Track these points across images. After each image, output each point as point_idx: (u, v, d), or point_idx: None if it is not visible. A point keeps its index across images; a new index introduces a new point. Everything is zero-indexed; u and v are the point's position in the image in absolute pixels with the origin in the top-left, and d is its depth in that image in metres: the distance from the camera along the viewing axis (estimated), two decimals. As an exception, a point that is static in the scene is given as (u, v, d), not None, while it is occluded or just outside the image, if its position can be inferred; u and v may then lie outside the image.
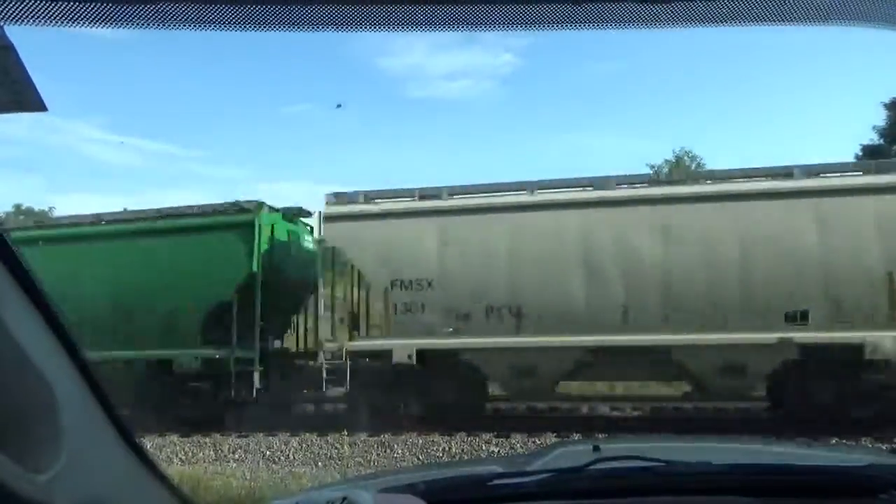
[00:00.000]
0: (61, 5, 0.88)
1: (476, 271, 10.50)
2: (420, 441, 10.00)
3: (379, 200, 11.42)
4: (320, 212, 11.39)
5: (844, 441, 8.54)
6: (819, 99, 52.25)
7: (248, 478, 7.79)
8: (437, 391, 10.71)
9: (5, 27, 0.96)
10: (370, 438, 10.22)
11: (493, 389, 11.79)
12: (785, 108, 52.80)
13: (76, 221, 12.98)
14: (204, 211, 12.17)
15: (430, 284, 10.61)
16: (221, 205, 12.14)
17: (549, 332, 10.17)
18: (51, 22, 0.88)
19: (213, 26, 0.94)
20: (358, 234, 11.07)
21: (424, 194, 11.29)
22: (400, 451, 9.76)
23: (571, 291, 10.24)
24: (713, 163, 31.74)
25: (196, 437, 10.88)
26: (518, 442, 9.75)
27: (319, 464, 9.51)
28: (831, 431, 9.12)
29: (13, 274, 0.93)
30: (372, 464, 9.40)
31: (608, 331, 10.07)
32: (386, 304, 10.88)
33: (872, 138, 27.31)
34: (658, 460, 1.43)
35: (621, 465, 1.45)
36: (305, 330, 13.00)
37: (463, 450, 9.65)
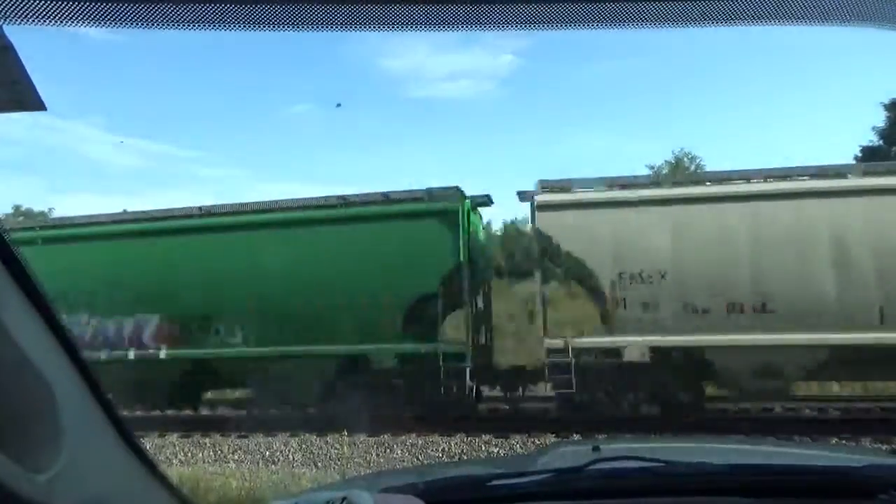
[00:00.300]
0: (61, 5, 0.88)
1: (714, 264, 9.88)
2: (420, 441, 9.99)
3: (597, 189, 10.77)
4: (533, 200, 10.74)
5: (844, 441, 8.55)
6: (817, 99, 52.26)
7: (247, 478, 7.77)
8: (671, 391, 10.21)
9: (5, 27, 0.96)
10: (370, 439, 10.21)
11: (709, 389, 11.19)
12: (784, 108, 52.77)
13: (256, 208, 12.01)
14: (394, 198, 11.39)
15: (663, 277, 10.02)
16: (412, 191, 11.41)
17: (797, 329, 9.55)
18: (50, 21, 0.88)
19: (212, 26, 0.94)
20: (579, 224, 10.42)
21: (642, 182, 10.79)
22: (399, 452, 9.75)
23: (821, 286, 9.63)
24: (712, 164, 31.77)
25: (196, 437, 10.87)
26: (518, 442, 9.74)
27: (319, 464, 9.50)
28: (831, 431, 9.13)
29: (13, 274, 0.93)
30: (372, 464, 9.39)
31: (861, 328, 9.43)
32: (614, 298, 10.23)
33: (872, 139, 27.35)
34: (657, 460, 1.43)
35: (621, 466, 1.45)
36: (487, 326, 12.30)
37: (463, 450, 9.64)
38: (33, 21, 0.88)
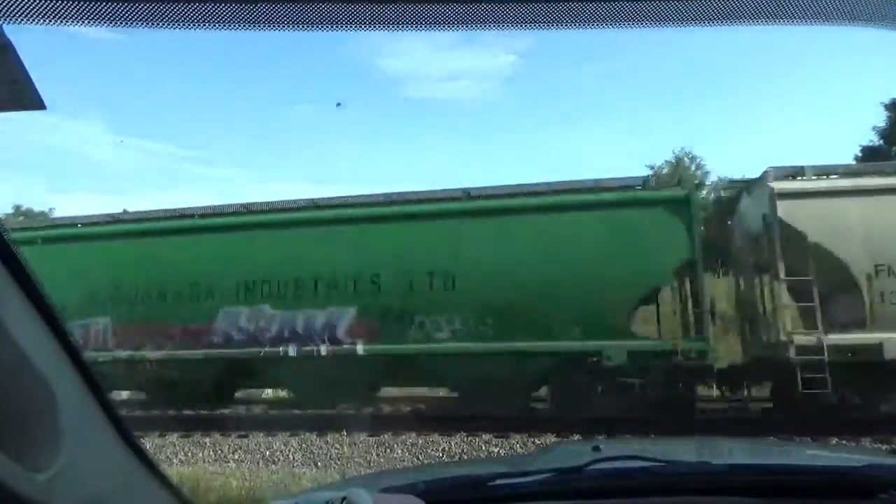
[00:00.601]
0: (61, 4, 0.88)
1: None
2: (420, 441, 9.99)
3: (840, 176, 10.22)
4: (772, 188, 10.08)
5: (844, 441, 8.54)
6: (817, 99, 52.32)
7: (247, 478, 7.78)
8: None
9: (4, 26, 0.96)
10: (370, 438, 10.21)
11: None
12: (784, 108, 52.84)
13: (455, 196, 11.15)
14: (608, 185, 10.72)
15: None
16: (626, 178, 10.79)
17: None
18: (50, 20, 0.88)
19: (213, 26, 0.94)
20: (826, 213, 9.77)
21: (887, 169, 10.26)
22: (399, 452, 9.75)
23: None
24: (713, 164, 31.83)
25: (196, 436, 10.87)
26: (518, 442, 9.74)
27: (319, 464, 9.50)
28: (831, 431, 9.13)
29: (13, 275, 0.93)
30: (372, 464, 9.39)
31: None
32: (870, 292, 9.56)
33: (872, 139, 27.42)
34: (658, 460, 1.43)
35: (621, 465, 1.45)
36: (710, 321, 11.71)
37: (463, 450, 9.64)
38: (33, 20, 0.88)
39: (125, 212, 12.85)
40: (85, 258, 11.67)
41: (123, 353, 11.34)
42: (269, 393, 13.34)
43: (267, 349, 10.90)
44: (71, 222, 13.07)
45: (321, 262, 10.78)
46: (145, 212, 12.68)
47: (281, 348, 10.82)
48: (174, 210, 12.52)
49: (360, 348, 10.61)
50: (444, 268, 10.41)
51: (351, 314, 10.74)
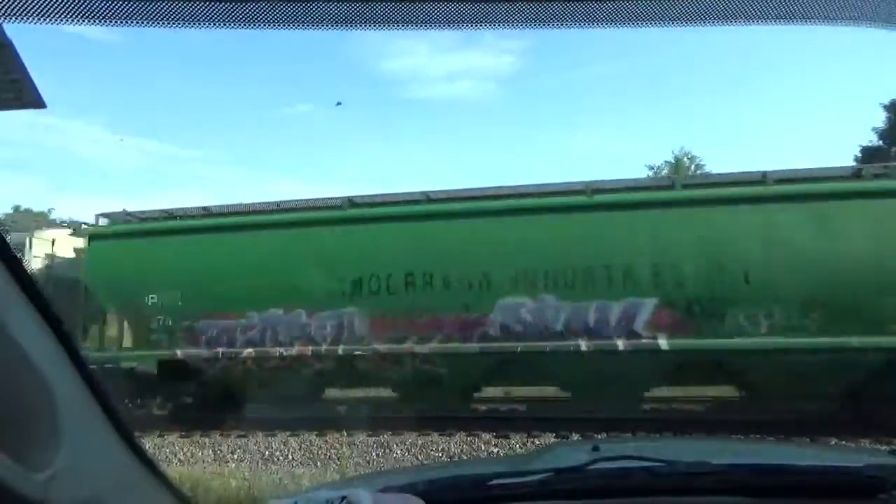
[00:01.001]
0: (61, 3, 0.88)
1: None
2: (420, 441, 9.99)
3: None
4: None
5: (844, 441, 8.54)
6: (818, 100, 52.34)
7: (247, 478, 7.78)
8: None
9: (5, 25, 0.96)
10: (369, 438, 10.21)
11: None
12: (784, 109, 52.87)
13: (777, 178, 10.21)
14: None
15: None
16: None
17: None
18: (50, 20, 0.88)
19: (213, 24, 0.94)
20: None
21: None
22: (399, 452, 9.75)
23: None
24: (713, 164, 31.83)
25: (196, 436, 10.86)
26: (518, 442, 9.74)
27: (319, 464, 9.50)
28: (831, 431, 9.13)
29: (14, 275, 0.93)
30: (372, 464, 9.39)
31: None
32: None
33: (872, 140, 27.46)
34: (658, 460, 1.43)
35: (621, 465, 1.45)
36: None
37: (462, 450, 9.64)
38: (33, 19, 0.88)
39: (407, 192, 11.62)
40: (328, 243, 10.83)
41: (382, 347, 10.45)
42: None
43: (552, 343, 9.95)
44: (293, 206, 11.89)
45: (612, 249, 9.98)
46: (399, 194, 11.56)
47: (570, 342, 9.92)
48: (445, 192, 11.40)
49: (662, 343, 9.72)
50: (756, 256, 9.60)
51: (650, 306, 9.86)
